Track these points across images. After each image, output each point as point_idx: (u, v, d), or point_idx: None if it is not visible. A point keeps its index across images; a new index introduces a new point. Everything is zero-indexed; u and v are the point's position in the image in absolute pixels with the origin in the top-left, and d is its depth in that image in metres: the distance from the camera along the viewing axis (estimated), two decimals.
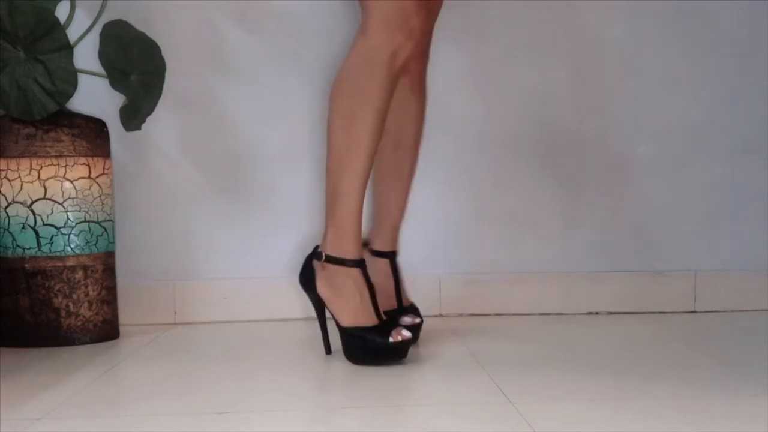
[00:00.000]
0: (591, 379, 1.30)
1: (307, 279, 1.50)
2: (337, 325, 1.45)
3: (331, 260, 1.46)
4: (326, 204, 1.48)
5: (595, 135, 1.94)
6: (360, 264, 1.46)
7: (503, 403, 1.17)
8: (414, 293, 1.72)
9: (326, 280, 1.47)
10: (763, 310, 1.92)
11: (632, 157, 1.95)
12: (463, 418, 1.11)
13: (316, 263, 1.49)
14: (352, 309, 1.44)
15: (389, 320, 1.47)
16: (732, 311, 1.93)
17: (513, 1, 1.90)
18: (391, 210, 1.65)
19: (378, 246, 1.64)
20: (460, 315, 1.91)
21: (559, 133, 1.94)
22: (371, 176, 1.59)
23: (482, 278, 1.93)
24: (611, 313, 1.93)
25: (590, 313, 1.92)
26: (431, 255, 1.93)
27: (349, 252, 1.46)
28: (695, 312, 1.93)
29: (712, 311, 1.93)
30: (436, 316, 1.91)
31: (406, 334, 1.43)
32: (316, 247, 1.50)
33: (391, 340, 1.41)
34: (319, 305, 1.50)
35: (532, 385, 1.27)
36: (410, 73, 1.61)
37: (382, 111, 1.43)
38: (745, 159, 1.96)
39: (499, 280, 1.92)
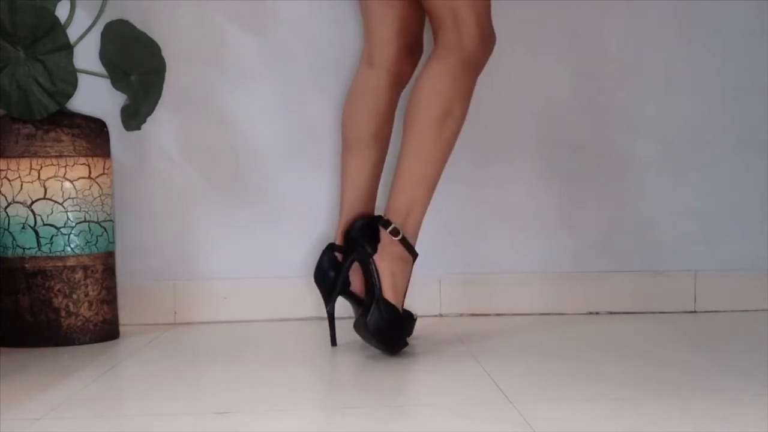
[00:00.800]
0: (591, 379, 1.30)
1: (366, 239, 1.51)
2: (377, 294, 1.46)
3: (406, 244, 1.50)
4: (415, 189, 1.51)
5: (595, 135, 1.94)
6: (416, 256, 1.52)
7: (503, 403, 1.17)
8: (414, 293, 1.72)
9: (388, 254, 1.49)
10: (763, 310, 1.92)
11: (632, 157, 1.95)
12: (463, 418, 1.11)
13: (387, 235, 1.49)
14: (399, 292, 1.49)
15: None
16: (732, 311, 1.92)
17: (513, 1, 1.90)
18: None
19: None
20: (460, 315, 1.91)
21: (559, 132, 1.94)
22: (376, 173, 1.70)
23: (482, 278, 1.93)
24: (611, 313, 1.92)
25: (590, 313, 1.92)
26: (431, 255, 1.92)
27: (415, 242, 1.52)
28: (695, 312, 1.93)
29: (712, 311, 1.93)
30: (436, 316, 1.91)
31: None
32: (384, 219, 1.51)
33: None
34: (352, 262, 1.53)
35: (532, 385, 1.27)
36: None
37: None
38: (745, 159, 1.96)
39: (499, 280, 1.92)
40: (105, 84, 1.69)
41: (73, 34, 1.65)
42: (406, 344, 1.50)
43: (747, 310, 1.92)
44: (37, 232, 1.64)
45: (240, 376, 1.38)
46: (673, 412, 1.11)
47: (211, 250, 1.91)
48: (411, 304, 1.76)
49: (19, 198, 1.64)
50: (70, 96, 1.61)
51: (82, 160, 1.67)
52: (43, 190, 1.64)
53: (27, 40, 1.58)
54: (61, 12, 1.66)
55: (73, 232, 1.66)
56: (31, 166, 1.64)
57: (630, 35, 1.94)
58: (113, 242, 1.74)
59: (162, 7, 1.87)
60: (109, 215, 1.71)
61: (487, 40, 1.57)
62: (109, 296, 1.71)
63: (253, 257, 1.91)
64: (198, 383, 1.35)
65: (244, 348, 1.62)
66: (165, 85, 1.76)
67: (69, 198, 1.65)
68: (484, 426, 1.07)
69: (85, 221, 1.67)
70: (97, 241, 1.68)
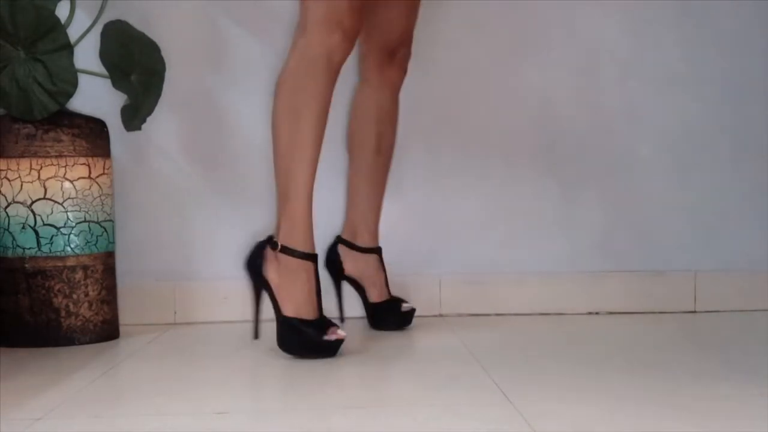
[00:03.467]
0: (591, 379, 1.30)
1: (255, 264, 1.53)
2: (278, 313, 1.48)
3: (287, 251, 1.49)
4: (277, 198, 1.52)
5: (595, 135, 1.94)
6: (314, 258, 1.50)
7: (503, 403, 1.17)
8: (414, 293, 1.73)
9: (277, 268, 1.50)
10: (763, 310, 1.92)
11: (632, 157, 1.95)
12: (463, 418, 1.11)
13: (269, 252, 1.51)
14: (298, 300, 1.47)
15: (326, 318, 1.50)
16: (732, 311, 1.92)
17: (513, 1, 1.90)
18: (375, 209, 1.78)
19: (367, 242, 1.76)
20: (460, 315, 1.91)
21: (559, 133, 1.94)
22: (352, 180, 1.79)
23: (482, 278, 1.93)
24: (611, 313, 1.93)
25: (590, 313, 1.92)
26: (431, 255, 1.93)
27: (304, 245, 1.49)
28: (695, 312, 1.93)
29: (712, 311, 1.93)
30: (436, 316, 1.90)
31: (341, 333, 1.47)
32: (270, 236, 1.52)
33: (325, 337, 1.46)
34: (260, 290, 1.54)
35: (532, 385, 1.27)
36: (393, 84, 1.76)
37: (325, 108, 1.50)
38: (745, 159, 1.96)
39: (499, 280, 1.92)
40: (105, 84, 1.69)
41: (73, 34, 1.65)
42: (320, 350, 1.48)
43: (747, 310, 1.92)
44: (37, 232, 1.64)
45: (240, 376, 1.38)
46: (673, 412, 1.11)
47: (211, 250, 1.91)
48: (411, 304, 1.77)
49: (19, 198, 1.64)
50: (70, 96, 1.61)
51: (82, 160, 1.67)
52: (43, 190, 1.64)
53: (27, 40, 1.58)
54: (61, 12, 1.66)
55: (73, 232, 1.66)
56: (31, 166, 1.64)
57: (630, 35, 1.94)
58: (113, 242, 1.74)
59: (162, 7, 1.87)
60: (109, 215, 1.71)
61: (329, 28, 1.51)
62: (109, 296, 1.71)
63: None
64: (198, 383, 1.35)
65: (244, 348, 1.62)
66: (165, 85, 1.76)
67: (69, 198, 1.65)
68: (484, 426, 1.07)
69: (85, 221, 1.67)
70: (97, 241, 1.68)
